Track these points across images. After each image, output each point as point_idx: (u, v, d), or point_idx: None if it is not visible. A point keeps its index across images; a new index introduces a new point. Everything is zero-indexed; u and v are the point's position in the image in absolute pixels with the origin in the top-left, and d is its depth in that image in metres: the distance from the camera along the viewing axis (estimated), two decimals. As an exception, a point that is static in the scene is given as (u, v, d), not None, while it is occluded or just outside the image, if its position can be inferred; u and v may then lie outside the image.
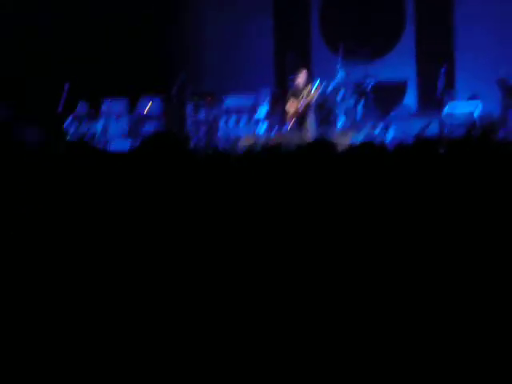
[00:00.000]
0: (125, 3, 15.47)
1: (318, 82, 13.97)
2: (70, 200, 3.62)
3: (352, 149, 5.49)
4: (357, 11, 16.30)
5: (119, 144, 13.16)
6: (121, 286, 3.31)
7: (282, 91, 14.65)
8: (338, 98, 14.42)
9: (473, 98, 14.19)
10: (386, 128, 14.39)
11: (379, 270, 3.57)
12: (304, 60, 16.06)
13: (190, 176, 4.04)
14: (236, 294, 3.40)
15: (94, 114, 14.38)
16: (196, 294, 3.34)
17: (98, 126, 14.18)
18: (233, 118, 14.65)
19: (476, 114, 13.94)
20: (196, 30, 16.86)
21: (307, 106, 12.86)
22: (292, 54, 15.24)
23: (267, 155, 5.10)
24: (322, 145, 4.92)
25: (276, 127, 14.52)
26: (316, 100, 13.44)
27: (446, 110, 13.94)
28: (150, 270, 3.36)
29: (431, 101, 14.62)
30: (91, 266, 3.36)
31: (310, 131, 12.90)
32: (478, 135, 6.07)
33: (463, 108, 14.07)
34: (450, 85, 15.01)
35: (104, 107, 14.57)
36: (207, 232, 3.56)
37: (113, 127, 14.40)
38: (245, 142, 12.58)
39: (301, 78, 13.25)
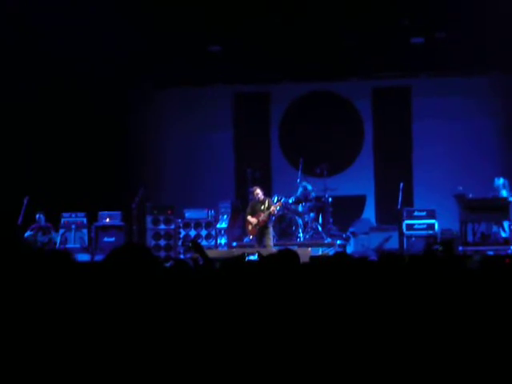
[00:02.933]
0: (85, 119, 15.63)
1: (277, 195, 14.12)
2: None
3: (314, 260, 5.49)
4: (317, 128, 16.65)
5: (79, 257, 13.05)
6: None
7: (243, 204, 14.72)
8: (298, 211, 14.55)
9: (431, 212, 14.37)
10: (347, 241, 14.50)
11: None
12: (264, 174, 16.27)
13: (156, 285, 3.99)
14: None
15: (54, 226, 14.30)
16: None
17: (58, 237, 14.07)
18: (193, 231, 14.64)
19: (435, 229, 14.10)
20: (157, 146, 17.00)
21: (267, 219, 12.92)
22: (252, 169, 15.42)
23: (230, 267, 5.07)
24: (287, 255, 4.91)
25: (237, 239, 14.55)
26: (276, 213, 13.52)
27: (406, 224, 14.08)
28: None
29: (390, 215, 14.79)
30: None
31: (271, 243, 12.91)
32: (438, 250, 6.11)
33: (422, 223, 14.22)
34: (408, 199, 15.25)
35: (64, 219, 14.51)
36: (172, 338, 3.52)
37: (72, 239, 14.30)
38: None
39: (258, 192, 13.39)
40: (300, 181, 14.78)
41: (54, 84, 14.86)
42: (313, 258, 7.30)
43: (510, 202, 13.25)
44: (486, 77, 16.06)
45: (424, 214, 14.39)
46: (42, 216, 14.13)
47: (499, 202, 13.39)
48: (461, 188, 13.75)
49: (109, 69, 15.08)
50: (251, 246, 12.81)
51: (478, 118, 16.13)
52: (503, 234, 13.47)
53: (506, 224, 13.39)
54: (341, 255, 4.87)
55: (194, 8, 13.38)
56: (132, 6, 13.09)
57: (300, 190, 14.66)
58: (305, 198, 14.62)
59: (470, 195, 13.67)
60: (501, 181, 13.80)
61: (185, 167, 16.88)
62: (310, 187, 14.70)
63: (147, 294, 3.52)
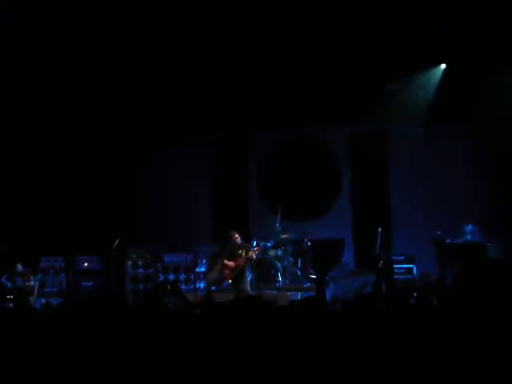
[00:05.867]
0: (64, 165, 15.71)
1: (255, 240, 14.15)
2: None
3: (293, 304, 5.50)
4: (295, 173, 16.75)
5: (57, 301, 12.94)
6: None
7: (221, 248, 14.70)
8: (277, 255, 14.55)
9: (409, 257, 14.43)
10: (326, 285, 14.47)
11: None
12: (243, 218, 16.32)
13: (128, 331, 3.99)
14: None
15: (31, 271, 14.20)
16: None
17: (36, 282, 13.97)
18: (171, 275, 14.60)
19: (414, 273, 14.14)
20: (136, 189, 16.96)
21: (245, 264, 12.91)
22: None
23: (204, 312, 5.09)
24: (253, 301, 4.93)
25: (216, 283, 14.48)
26: (255, 257, 13.52)
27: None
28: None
29: (369, 259, 14.81)
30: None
31: (247, 288, 12.89)
32: (417, 295, 6.13)
33: (401, 267, 14.26)
34: (387, 243, 15.29)
35: (42, 264, 14.42)
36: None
37: (50, 283, 14.21)
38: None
39: (237, 236, 13.41)
40: (278, 226, 14.83)
41: (31, 129, 14.98)
42: (292, 303, 7.30)
43: (486, 246, 13.36)
44: (462, 124, 16.26)
45: (402, 258, 14.46)
46: (19, 264, 14.05)
47: (476, 246, 13.48)
48: (439, 232, 13.85)
49: (86, 115, 15.28)
50: (229, 291, 12.78)
51: (455, 162, 16.29)
52: None
53: None
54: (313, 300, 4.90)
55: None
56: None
57: (278, 234, 14.73)
58: (283, 242, 14.69)
59: (448, 240, 13.76)
60: (469, 227, 13.94)
61: (164, 211, 16.84)
62: (283, 232, 14.81)
63: (116, 338, 3.53)
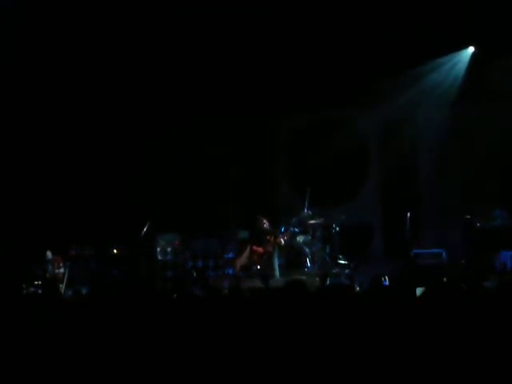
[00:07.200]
0: (93, 152, 15.81)
1: (284, 226, 14.15)
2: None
3: (321, 290, 5.50)
4: (323, 156, 16.68)
5: (86, 289, 13.03)
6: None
7: (250, 234, 14.72)
8: (306, 240, 14.54)
9: (439, 241, 14.35)
10: (354, 270, 14.44)
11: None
12: (272, 204, 16.31)
13: (156, 317, 4.01)
14: None
15: (61, 258, 14.30)
16: None
17: (65, 269, 14.08)
18: (200, 262, 14.64)
19: (443, 257, 14.05)
20: (164, 177, 16.95)
21: (274, 249, 12.91)
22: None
23: (232, 297, 5.10)
24: (297, 285, 4.94)
25: (244, 269, 14.52)
26: (284, 243, 13.52)
27: (413, 253, 14.04)
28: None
29: (398, 244, 14.74)
30: None
31: (276, 273, 12.89)
32: (446, 282, 6.09)
33: (430, 251, 14.17)
34: (416, 227, 15.20)
35: (72, 252, 14.51)
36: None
37: (80, 271, 14.29)
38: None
39: (265, 222, 13.41)
40: (307, 211, 14.79)
41: (65, 117, 15.13)
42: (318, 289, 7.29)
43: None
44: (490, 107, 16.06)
45: (432, 242, 14.38)
46: (49, 252, 14.17)
47: (506, 230, 13.39)
48: (468, 217, 13.76)
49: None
50: (257, 276, 12.80)
51: (482, 146, 16.11)
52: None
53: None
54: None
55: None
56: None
57: (307, 220, 14.68)
58: (312, 228, 14.65)
59: (478, 224, 13.67)
60: (497, 212, 13.85)
61: (192, 197, 16.83)
62: (311, 218, 14.75)
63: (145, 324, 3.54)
